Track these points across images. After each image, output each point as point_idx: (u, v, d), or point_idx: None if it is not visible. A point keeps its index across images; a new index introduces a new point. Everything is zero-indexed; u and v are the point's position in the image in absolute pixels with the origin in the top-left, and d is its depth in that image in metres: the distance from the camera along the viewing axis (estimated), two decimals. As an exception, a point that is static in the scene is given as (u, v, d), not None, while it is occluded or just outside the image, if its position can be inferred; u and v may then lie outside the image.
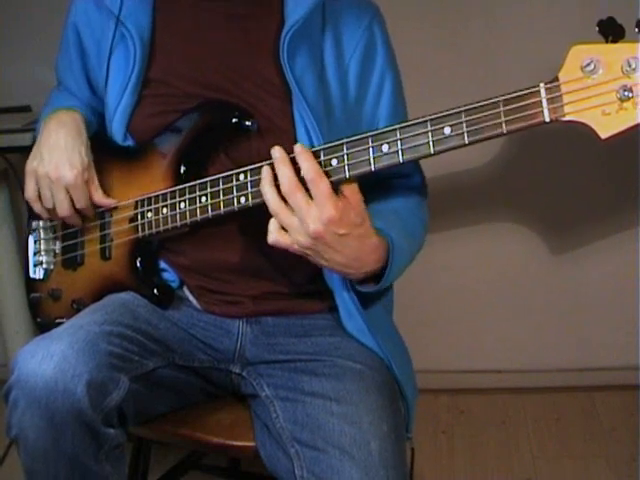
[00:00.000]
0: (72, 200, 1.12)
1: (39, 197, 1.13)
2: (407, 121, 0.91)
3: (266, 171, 0.96)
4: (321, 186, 0.92)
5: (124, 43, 1.13)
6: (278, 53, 1.06)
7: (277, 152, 0.96)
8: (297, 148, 0.95)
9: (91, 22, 1.18)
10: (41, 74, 1.72)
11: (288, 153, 0.97)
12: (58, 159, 1.10)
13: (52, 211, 1.14)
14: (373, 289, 1.04)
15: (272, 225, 0.96)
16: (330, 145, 0.96)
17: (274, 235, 0.96)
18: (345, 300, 1.10)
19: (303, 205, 0.92)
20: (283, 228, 0.95)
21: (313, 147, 0.97)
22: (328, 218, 0.91)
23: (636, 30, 0.79)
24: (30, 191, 1.13)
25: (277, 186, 0.95)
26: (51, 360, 0.91)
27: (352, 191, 0.95)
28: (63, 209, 1.12)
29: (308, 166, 0.93)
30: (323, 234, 0.92)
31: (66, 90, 1.26)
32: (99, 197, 1.14)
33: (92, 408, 0.91)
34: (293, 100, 1.06)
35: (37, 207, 1.15)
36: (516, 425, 1.96)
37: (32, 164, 1.12)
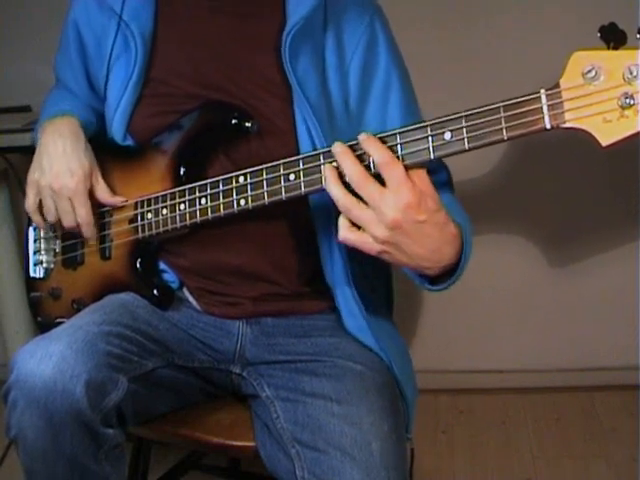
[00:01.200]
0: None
1: (39, 208, 1.13)
2: (407, 126, 0.90)
3: (330, 170, 0.90)
4: (396, 170, 0.86)
5: (125, 42, 1.12)
6: (280, 53, 1.05)
7: (338, 147, 0.90)
8: (362, 136, 0.89)
9: (91, 20, 1.17)
10: (41, 74, 1.71)
11: (289, 156, 0.96)
12: (58, 168, 1.09)
13: (55, 223, 1.13)
14: (443, 286, 0.99)
15: (342, 221, 0.90)
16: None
17: (345, 232, 0.90)
18: (347, 298, 1.09)
19: (377, 194, 0.86)
20: (354, 225, 0.89)
21: (315, 149, 0.95)
22: (406, 203, 0.86)
23: (637, 37, 0.78)
24: (30, 202, 1.13)
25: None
26: (50, 360, 0.91)
27: (421, 178, 0.88)
28: (68, 220, 1.11)
29: (379, 150, 0.88)
30: (401, 222, 0.86)
31: (65, 89, 1.26)
32: (106, 196, 1.13)
33: (91, 408, 0.91)
34: (294, 100, 1.06)
35: (36, 218, 1.14)
36: (516, 425, 1.96)
37: (33, 175, 1.12)
